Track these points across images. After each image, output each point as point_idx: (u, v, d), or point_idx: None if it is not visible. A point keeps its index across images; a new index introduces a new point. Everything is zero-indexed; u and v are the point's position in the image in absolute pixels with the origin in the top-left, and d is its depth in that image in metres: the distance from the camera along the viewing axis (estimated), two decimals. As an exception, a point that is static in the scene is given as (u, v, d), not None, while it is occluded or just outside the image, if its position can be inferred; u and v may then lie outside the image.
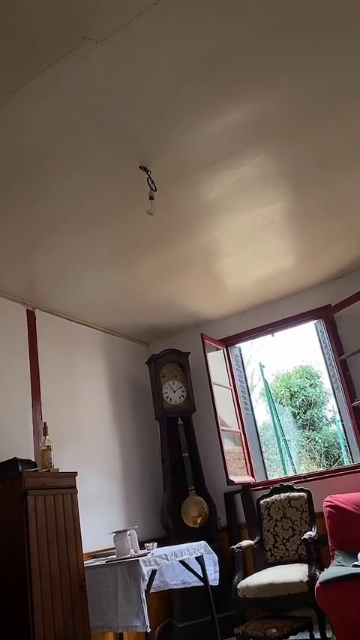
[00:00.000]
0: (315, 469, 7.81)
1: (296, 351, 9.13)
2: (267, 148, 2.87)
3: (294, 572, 3.42)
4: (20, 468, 3.08)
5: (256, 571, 3.91)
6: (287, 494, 4.15)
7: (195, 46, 2.17)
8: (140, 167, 2.80)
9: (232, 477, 4.41)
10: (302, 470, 8.14)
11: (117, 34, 2.03)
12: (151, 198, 2.85)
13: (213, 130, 2.66)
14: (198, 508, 4.57)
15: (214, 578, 3.72)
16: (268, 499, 4.22)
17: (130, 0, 1.91)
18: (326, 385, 8.37)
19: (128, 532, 3.41)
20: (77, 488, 3.28)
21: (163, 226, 3.42)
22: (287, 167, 3.07)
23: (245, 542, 3.99)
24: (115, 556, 3.36)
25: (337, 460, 8.14)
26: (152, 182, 2.85)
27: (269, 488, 4.33)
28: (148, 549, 3.42)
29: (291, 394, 8.90)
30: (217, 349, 5.15)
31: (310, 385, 8.86)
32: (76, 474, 3.31)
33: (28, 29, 1.97)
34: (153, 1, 1.93)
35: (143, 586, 2.96)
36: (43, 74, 2.15)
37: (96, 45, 2.06)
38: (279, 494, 4.20)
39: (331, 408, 8.59)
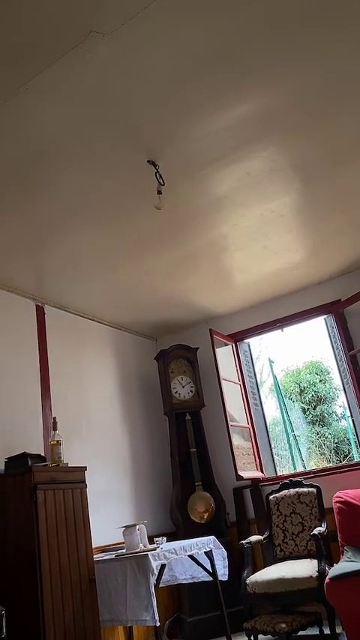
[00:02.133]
0: (325, 465, 7.78)
1: (306, 347, 9.10)
2: (275, 142, 2.85)
3: (303, 568, 3.41)
4: (30, 462, 3.10)
5: (265, 566, 3.90)
6: (297, 489, 4.14)
7: (203, 39, 2.15)
8: (148, 161, 2.79)
9: (241, 473, 4.41)
10: (312, 465, 8.12)
11: (124, 27, 2.02)
12: (159, 192, 2.84)
13: (221, 123, 2.64)
14: (204, 503, 4.57)
15: (223, 573, 3.73)
16: (277, 494, 4.21)
17: (137, -8, 1.90)
18: (336, 381, 8.32)
19: (137, 527, 3.42)
20: (87, 482, 3.29)
21: (172, 221, 3.41)
22: (296, 161, 3.04)
23: (254, 538, 3.99)
24: (124, 550, 3.37)
25: (347, 456, 8.11)
26: (160, 176, 2.83)
27: (278, 483, 4.32)
28: (157, 544, 3.43)
29: (300, 390, 8.86)
30: (226, 345, 5.13)
31: (320, 381, 8.82)
32: (85, 468, 3.33)
33: (35, 23, 1.96)
34: (160, -7, 1.92)
35: (152, 580, 2.97)
36: (51, 68, 2.14)
37: (103, 38, 2.05)
38: (288, 489, 4.18)
39: (341, 404, 8.54)
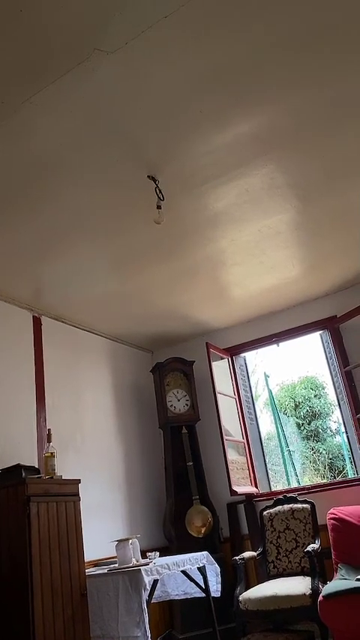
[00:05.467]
0: (319, 481, 7.76)
1: (301, 362, 9.10)
2: (274, 160, 2.89)
3: (297, 585, 3.39)
4: (24, 474, 3.08)
5: (258, 583, 3.88)
6: (291, 505, 4.13)
7: (204, 59, 2.19)
8: (148, 176, 2.83)
9: (235, 488, 4.39)
10: (306, 481, 8.08)
11: (128, 45, 2.06)
12: (159, 207, 2.87)
13: (221, 141, 2.68)
14: (202, 518, 4.54)
15: (215, 589, 3.69)
16: (271, 510, 4.19)
17: (141, 13, 1.95)
18: (331, 396, 8.33)
19: (130, 541, 3.39)
20: (80, 495, 3.27)
21: (170, 235, 3.44)
22: (294, 178, 3.08)
23: (248, 554, 3.96)
24: (116, 565, 3.34)
25: (341, 472, 8.08)
26: (160, 191, 2.87)
27: (273, 499, 4.31)
28: (150, 559, 3.40)
29: (295, 405, 8.85)
30: (222, 358, 5.14)
31: (315, 396, 8.82)
32: (79, 481, 3.31)
33: (41, 40, 2.00)
34: (164, 14, 1.96)
35: (145, 596, 2.95)
36: (55, 84, 2.18)
37: (107, 56, 2.09)
38: (282, 505, 4.17)
39: (335, 420, 8.54)
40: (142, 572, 3.01)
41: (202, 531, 4.50)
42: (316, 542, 3.80)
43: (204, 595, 3.61)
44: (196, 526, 4.51)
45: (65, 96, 2.25)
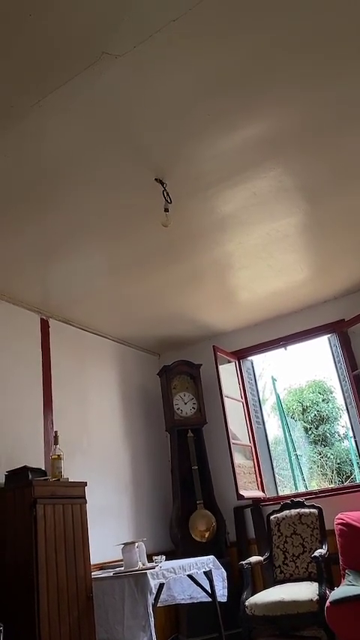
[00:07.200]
0: (326, 485, 7.70)
1: (309, 366, 9.06)
2: (282, 163, 2.88)
3: (304, 591, 3.36)
4: (30, 476, 3.09)
5: (264, 588, 3.85)
6: (298, 510, 4.10)
7: (212, 62, 2.19)
8: (156, 179, 2.83)
9: (242, 492, 4.37)
10: (313, 486, 8.03)
11: (136, 49, 2.07)
12: (167, 210, 2.87)
13: (229, 143, 2.68)
14: (206, 522, 4.52)
15: (222, 593, 3.68)
16: (278, 515, 4.17)
17: (150, 16, 1.95)
18: (339, 400, 8.28)
19: (137, 544, 3.39)
20: (86, 498, 3.27)
21: (178, 238, 3.44)
22: (302, 181, 3.08)
23: (254, 558, 3.94)
24: (122, 568, 3.33)
25: (349, 477, 8.02)
26: (168, 194, 2.87)
27: (280, 503, 4.28)
28: (156, 562, 3.39)
29: (303, 409, 8.81)
30: (229, 362, 5.13)
31: (323, 400, 8.77)
32: (85, 483, 3.31)
33: (50, 44, 2.01)
34: (172, 17, 1.96)
35: (150, 600, 2.94)
36: (62, 88, 2.19)
37: (115, 60, 2.10)
38: (289, 510, 4.15)
39: (343, 424, 8.48)
40: (148, 575, 3.00)
41: (206, 536, 4.48)
42: (324, 547, 3.77)
43: (210, 599, 3.60)
44: (200, 530, 4.49)
45: (73, 99, 2.26)
